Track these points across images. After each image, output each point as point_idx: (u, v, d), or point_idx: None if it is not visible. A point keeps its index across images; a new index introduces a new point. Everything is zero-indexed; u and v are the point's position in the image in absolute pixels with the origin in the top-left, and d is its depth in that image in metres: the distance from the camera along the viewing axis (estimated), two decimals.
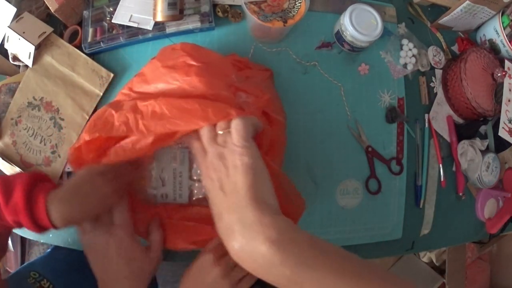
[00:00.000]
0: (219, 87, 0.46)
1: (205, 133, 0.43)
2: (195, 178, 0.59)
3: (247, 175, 0.39)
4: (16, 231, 0.60)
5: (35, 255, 1.10)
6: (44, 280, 0.56)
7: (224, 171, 0.40)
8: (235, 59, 0.58)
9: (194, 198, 0.59)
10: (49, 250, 0.69)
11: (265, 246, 0.35)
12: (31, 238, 0.76)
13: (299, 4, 0.59)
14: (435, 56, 0.74)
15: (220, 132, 0.42)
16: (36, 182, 0.46)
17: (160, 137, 0.45)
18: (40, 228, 0.45)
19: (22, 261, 1.09)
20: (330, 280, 0.35)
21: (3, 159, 0.61)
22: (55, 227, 0.45)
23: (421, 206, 0.70)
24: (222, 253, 0.47)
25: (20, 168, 0.61)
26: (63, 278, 0.58)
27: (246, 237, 0.37)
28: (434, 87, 0.73)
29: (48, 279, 0.56)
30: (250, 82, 0.54)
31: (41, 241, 0.62)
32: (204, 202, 0.59)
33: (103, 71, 0.61)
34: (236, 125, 0.42)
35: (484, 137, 0.75)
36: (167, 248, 0.53)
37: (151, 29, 0.62)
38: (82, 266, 0.51)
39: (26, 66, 0.62)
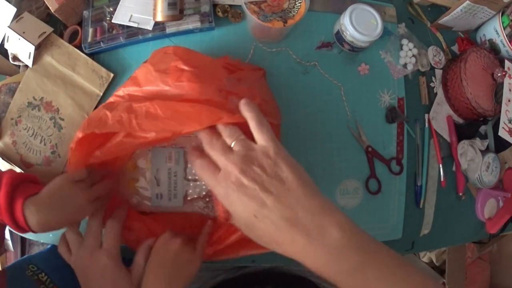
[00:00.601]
0: (210, 92, 0.47)
1: (217, 146, 0.41)
2: (190, 178, 0.59)
3: (292, 168, 0.38)
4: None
5: None
6: (42, 273, 0.57)
7: (260, 172, 0.38)
8: (226, 62, 0.58)
9: (189, 198, 0.59)
10: (48, 246, 0.69)
11: (336, 229, 0.35)
12: (31, 238, 0.76)
13: (299, 4, 0.59)
14: (435, 56, 0.74)
15: (232, 144, 0.40)
16: (19, 183, 0.47)
17: (157, 137, 0.45)
18: (22, 229, 0.46)
19: None
20: (391, 268, 0.35)
21: (3, 159, 0.61)
22: (33, 231, 0.46)
23: (421, 206, 0.70)
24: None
25: (20, 168, 0.61)
26: (61, 274, 0.59)
27: (317, 225, 0.36)
28: (434, 87, 0.73)
29: (46, 273, 0.57)
30: (242, 85, 0.54)
31: (41, 241, 0.62)
32: (199, 202, 0.59)
33: (103, 71, 0.61)
34: (256, 125, 0.41)
35: (484, 137, 0.75)
36: None
37: (151, 29, 0.62)
38: None
39: (26, 66, 0.62)
